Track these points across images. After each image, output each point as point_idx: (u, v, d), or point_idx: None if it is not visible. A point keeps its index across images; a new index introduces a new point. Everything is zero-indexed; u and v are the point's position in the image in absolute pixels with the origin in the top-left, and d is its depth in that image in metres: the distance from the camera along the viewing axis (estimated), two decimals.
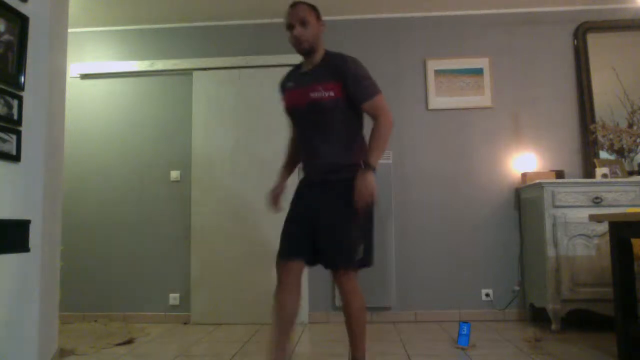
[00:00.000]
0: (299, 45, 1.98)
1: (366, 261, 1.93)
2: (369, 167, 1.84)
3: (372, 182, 1.82)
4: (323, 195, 1.93)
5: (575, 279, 2.92)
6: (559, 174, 3.27)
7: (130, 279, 3.58)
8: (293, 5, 1.99)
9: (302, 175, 2.08)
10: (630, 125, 3.34)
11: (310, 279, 3.36)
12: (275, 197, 2.12)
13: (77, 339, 2.90)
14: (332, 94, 1.92)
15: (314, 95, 1.94)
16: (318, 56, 2.02)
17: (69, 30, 2.55)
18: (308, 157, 2.03)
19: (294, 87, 2.04)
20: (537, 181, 3.06)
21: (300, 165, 2.13)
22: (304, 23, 1.95)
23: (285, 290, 1.97)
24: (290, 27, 1.97)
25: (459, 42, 3.61)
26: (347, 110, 1.96)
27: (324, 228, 1.90)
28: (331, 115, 1.95)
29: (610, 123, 3.36)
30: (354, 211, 1.86)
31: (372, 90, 1.94)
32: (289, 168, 2.19)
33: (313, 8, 2.01)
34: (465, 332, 2.60)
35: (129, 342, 2.86)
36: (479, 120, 3.54)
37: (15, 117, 2.03)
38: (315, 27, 1.98)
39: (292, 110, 2.03)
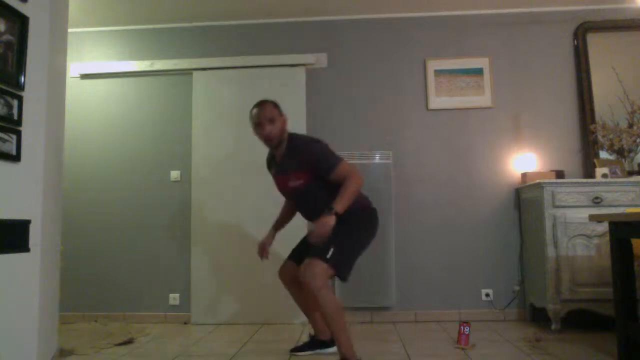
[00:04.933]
0: (269, 142, 2.30)
1: (338, 270, 2.18)
2: (333, 211, 2.09)
3: (329, 225, 2.07)
4: None
5: (575, 279, 2.92)
6: (559, 174, 3.27)
7: (130, 279, 3.58)
8: (259, 105, 2.29)
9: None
10: (630, 125, 3.34)
11: None
12: (263, 247, 2.57)
13: (77, 339, 2.90)
14: (301, 182, 2.25)
15: (291, 184, 2.29)
16: (284, 145, 2.33)
17: (69, 30, 2.55)
18: (306, 217, 2.46)
19: (276, 174, 2.41)
20: (537, 181, 3.06)
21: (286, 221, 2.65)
22: (272, 121, 2.26)
23: (285, 283, 2.49)
24: (259, 125, 2.28)
25: (459, 42, 3.61)
26: (321, 183, 2.24)
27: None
28: (309, 193, 2.28)
29: (610, 123, 3.36)
30: (347, 233, 2.21)
31: (332, 162, 2.21)
32: (278, 226, 2.64)
33: (276, 105, 2.33)
34: (465, 332, 2.60)
35: (129, 342, 2.86)
36: (479, 120, 3.54)
37: (15, 117, 2.03)
38: (280, 122, 2.30)
39: (281, 192, 2.43)
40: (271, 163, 2.49)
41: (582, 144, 3.47)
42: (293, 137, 2.34)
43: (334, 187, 2.18)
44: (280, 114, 2.32)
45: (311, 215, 2.34)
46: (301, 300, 2.50)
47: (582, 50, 3.51)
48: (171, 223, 3.60)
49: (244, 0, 3.44)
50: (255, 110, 2.30)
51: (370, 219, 2.36)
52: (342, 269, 2.19)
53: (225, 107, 3.62)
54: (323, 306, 2.12)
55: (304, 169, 2.24)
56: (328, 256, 2.11)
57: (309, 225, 2.59)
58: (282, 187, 2.40)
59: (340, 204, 2.10)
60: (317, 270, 2.09)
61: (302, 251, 2.36)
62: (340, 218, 2.12)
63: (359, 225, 2.27)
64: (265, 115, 2.26)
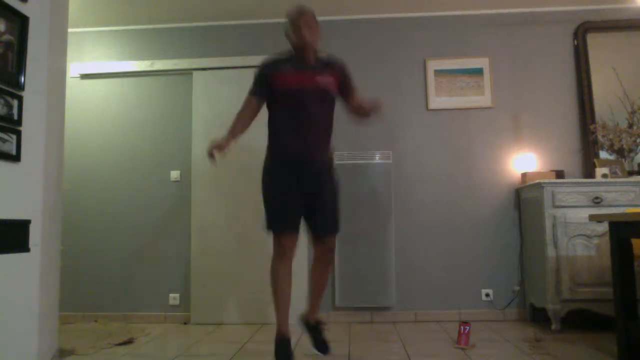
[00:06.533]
0: (307, 47, 2.32)
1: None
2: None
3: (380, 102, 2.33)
4: (318, 176, 2.35)
5: (575, 279, 2.92)
6: (559, 174, 3.27)
7: (130, 279, 3.58)
8: (302, 13, 2.34)
9: (277, 152, 2.37)
10: (630, 125, 3.34)
11: None
12: (220, 148, 2.27)
13: (77, 339, 2.90)
14: (332, 81, 2.36)
15: (322, 80, 2.32)
16: (313, 56, 2.38)
17: (69, 30, 2.55)
18: (296, 135, 2.30)
19: (295, 70, 2.33)
20: (537, 181, 3.06)
21: (277, 143, 2.38)
22: (311, 28, 2.32)
23: (287, 259, 2.36)
24: (298, 29, 2.30)
25: (459, 42, 3.61)
26: (334, 105, 2.42)
27: (324, 203, 2.35)
28: (328, 104, 2.38)
29: (610, 123, 3.36)
30: (338, 190, 2.43)
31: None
32: (236, 133, 2.38)
33: (315, 16, 2.38)
34: (465, 332, 2.60)
35: (129, 342, 2.86)
36: (479, 120, 3.54)
37: (15, 117, 2.03)
38: (318, 32, 2.37)
39: (293, 90, 2.30)
40: (280, 64, 2.37)
41: (582, 144, 3.47)
42: (326, 54, 2.46)
43: (333, 116, 2.43)
44: (319, 25, 2.38)
45: (308, 131, 2.30)
46: (289, 279, 2.38)
47: (582, 50, 3.51)
48: (171, 223, 3.60)
49: (244, 0, 3.44)
50: (296, 15, 2.34)
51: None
52: None
53: (225, 107, 3.62)
54: (327, 274, 2.52)
55: (337, 77, 2.39)
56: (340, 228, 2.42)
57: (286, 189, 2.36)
58: (304, 81, 2.29)
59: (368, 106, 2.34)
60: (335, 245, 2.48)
61: (297, 217, 2.35)
62: (327, 171, 2.39)
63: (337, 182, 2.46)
64: (307, 22, 2.31)
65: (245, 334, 3.06)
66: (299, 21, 2.31)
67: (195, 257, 3.51)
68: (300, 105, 2.29)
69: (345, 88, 2.43)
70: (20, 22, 2.07)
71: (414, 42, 3.64)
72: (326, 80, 2.33)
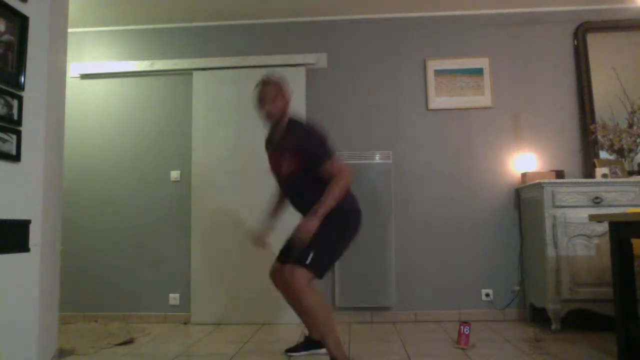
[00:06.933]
0: (268, 120, 2.33)
1: (316, 273, 2.16)
2: (315, 214, 2.11)
3: (310, 231, 2.10)
4: None
5: (575, 279, 2.92)
6: (559, 174, 3.27)
7: (130, 279, 3.58)
8: (261, 84, 2.34)
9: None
10: (630, 125, 3.34)
11: None
12: (258, 239, 2.51)
13: (77, 339, 2.90)
14: (294, 167, 2.24)
15: (284, 166, 2.28)
16: (283, 126, 2.33)
17: (69, 30, 2.55)
18: (294, 207, 2.41)
19: (271, 152, 2.43)
20: (537, 181, 3.06)
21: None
22: (272, 100, 2.28)
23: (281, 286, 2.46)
24: (257, 105, 2.33)
25: (459, 42, 3.61)
26: (313, 174, 2.20)
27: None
28: (300, 181, 2.27)
29: (610, 123, 3.36)
30: (317, 234, 2.14)
31: (323, 156, 2.19)
32: (274, 213, 2.58)
33: (279, 84, 2.34)
34: (465, 332, 2.60)
35: (129, 342, 2.86)
36: (479, 120, 3.54)
37: (15, 117, 2.03)
38: (282, 101, 2.31)
39: (274, 172, 2.42)
40: (269, 141, 2.49)
41: (582, 144, 3.47)
42: (294, 121, 2.33)
43: (326, 182, 2.17)
44: (283, 93, 2.33)
45: (298, 206, 2.36)
46: (292, 301, 2.46)
47: (582, 50, 3.51)
48: (171, 223, 3.60)
49: (244, 0, 3.44)
50: (256, 90, 2.35)
51: (353, 222, 2.30)
52: (320, 271, 2.18)
53: (225, 107, 3.62)
54: (307, 308, 2.15)
55: (297, 155, 2.23)
56: (307, 262, 2.11)
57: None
58: (275, 167, 2.38)
59: (323, 208, 2.11)
60: (296, 275, 2.10)
61: (287, 251, 2.35)
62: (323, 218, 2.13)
63: (339, 227, 2.23)
64: (265, 94, 2.30)
65: (245, 334, 3.06)
66: (256, 98, 2.33)
67: (195, 257, 3.51)
68: (279, 183, 2.46)
69: (311, 157, 2.20)
70: (20, 22, 2.06)
71: (414, 42, 3.64)
72: (288, 166, 2.26)
